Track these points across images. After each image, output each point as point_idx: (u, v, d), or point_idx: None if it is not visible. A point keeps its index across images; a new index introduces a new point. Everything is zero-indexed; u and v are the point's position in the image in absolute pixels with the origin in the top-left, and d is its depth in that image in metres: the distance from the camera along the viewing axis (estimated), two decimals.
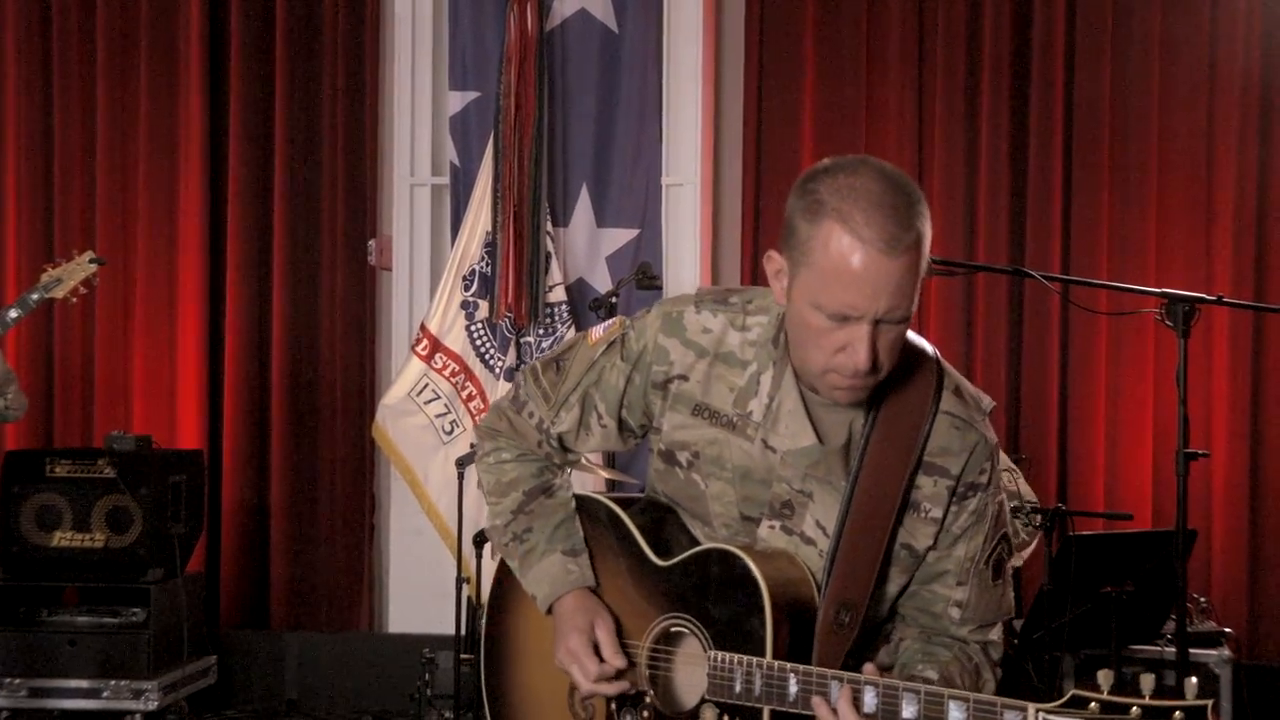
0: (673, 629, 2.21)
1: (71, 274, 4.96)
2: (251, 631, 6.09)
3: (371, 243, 6.08)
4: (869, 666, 1.99)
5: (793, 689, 2.02)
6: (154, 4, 6.16)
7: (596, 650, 2.23)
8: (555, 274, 5.64)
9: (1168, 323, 3.63)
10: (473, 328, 5.64)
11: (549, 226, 5.65)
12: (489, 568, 4.22)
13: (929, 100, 5.86)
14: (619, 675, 2.22)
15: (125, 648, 5.30)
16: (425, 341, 5.61)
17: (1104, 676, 1.78)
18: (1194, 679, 1.76)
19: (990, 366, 5.78)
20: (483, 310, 5.62)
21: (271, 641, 6.05)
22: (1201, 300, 3.69)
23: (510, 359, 5.58)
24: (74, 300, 5.03)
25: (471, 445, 3.17)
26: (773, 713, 2.06)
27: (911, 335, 2.11)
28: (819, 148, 5.88)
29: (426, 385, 5.59)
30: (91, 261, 5.01)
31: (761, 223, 5.89)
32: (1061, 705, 1.78)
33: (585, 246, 5.82)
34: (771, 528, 2.16)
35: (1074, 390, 5.76)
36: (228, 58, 6.15)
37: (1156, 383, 5.67)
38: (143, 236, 6.17)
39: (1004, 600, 2.22)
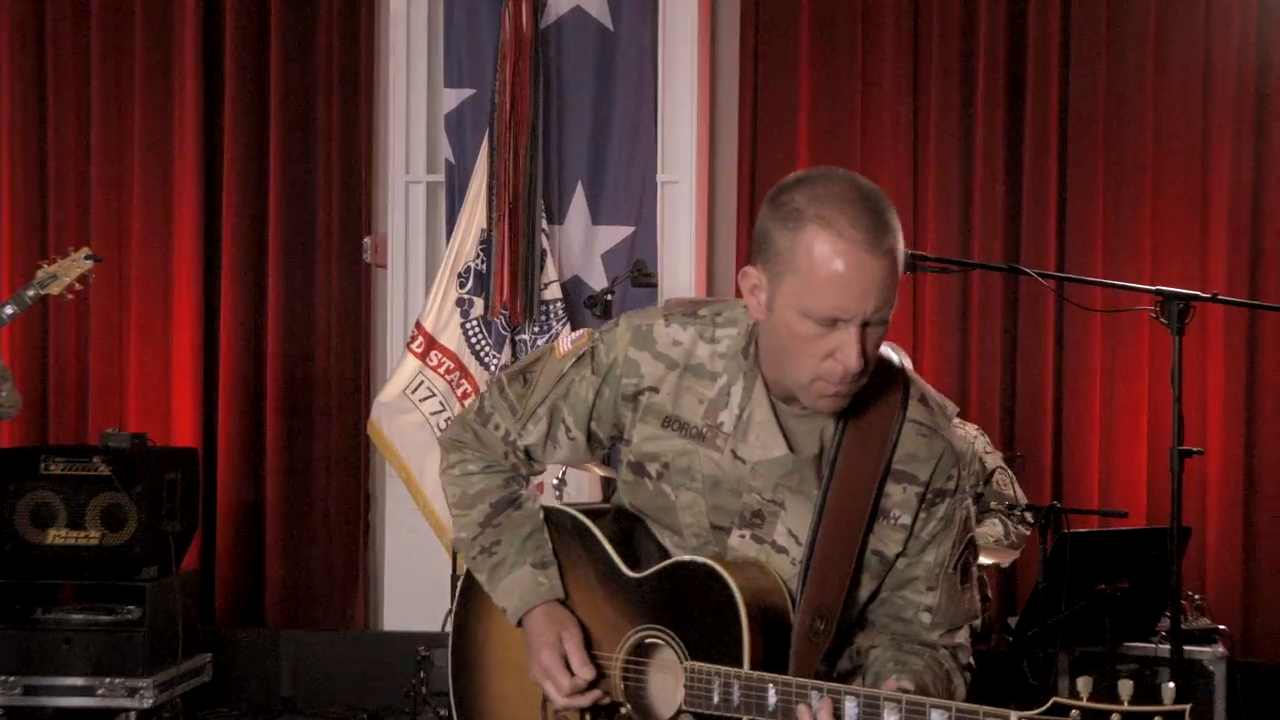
0: (647, 640, 2.22)
1: (67, 271, 4.97)
2: (247, 629, 6.08)
3: (366, 240, 6.08)
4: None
5: (772, 699, 2.03)
6: (149, 1, 6.16)
7: (567, 664, 2.25)
8: (550, 271, 5.63)
9: (1163, 320, 3.63)
10: (468, 325, 5.63)
11: (544, 224, 5.65)
12: None
13: (924, 97, 5.86)
14: (591, 686, 2.24)
15: (120, 645, 5.29)
16: (420, 339, 5.60)
17: (1083, 684, 1.81)
18: (1171, 684, 1.79)
19: (985, 364, 5.78)
20: (478, 308, 5.61)
21: (267, 639, 6.04)
22: (1196, 298, 3.69)
23: (506, 356, 5.58)
24: (69, 297, 5.03)
25: None
26: None
27: None
28: (814, 145, 5.89)
29: (422, 383, 5.59)
30: (87, 258, 5.01)
31: (756, 220, 5.88)
32: (1043, 712, 1.81)
33: (580, 244, 5.82)
34: (742, 537, 2.19)
35: (1069, 388, 5.76)
36: (223, 54, 6.15)
37: (1151, 380, 5.67)
38: (137, 233, 6.17)
39: (972, 604, 2.24)
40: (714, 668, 2.09)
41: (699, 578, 2.14)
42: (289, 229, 6.13)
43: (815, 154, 5.88)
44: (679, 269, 5.86)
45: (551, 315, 5.62)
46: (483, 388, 5.57)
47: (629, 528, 2.32)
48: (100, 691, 5.25)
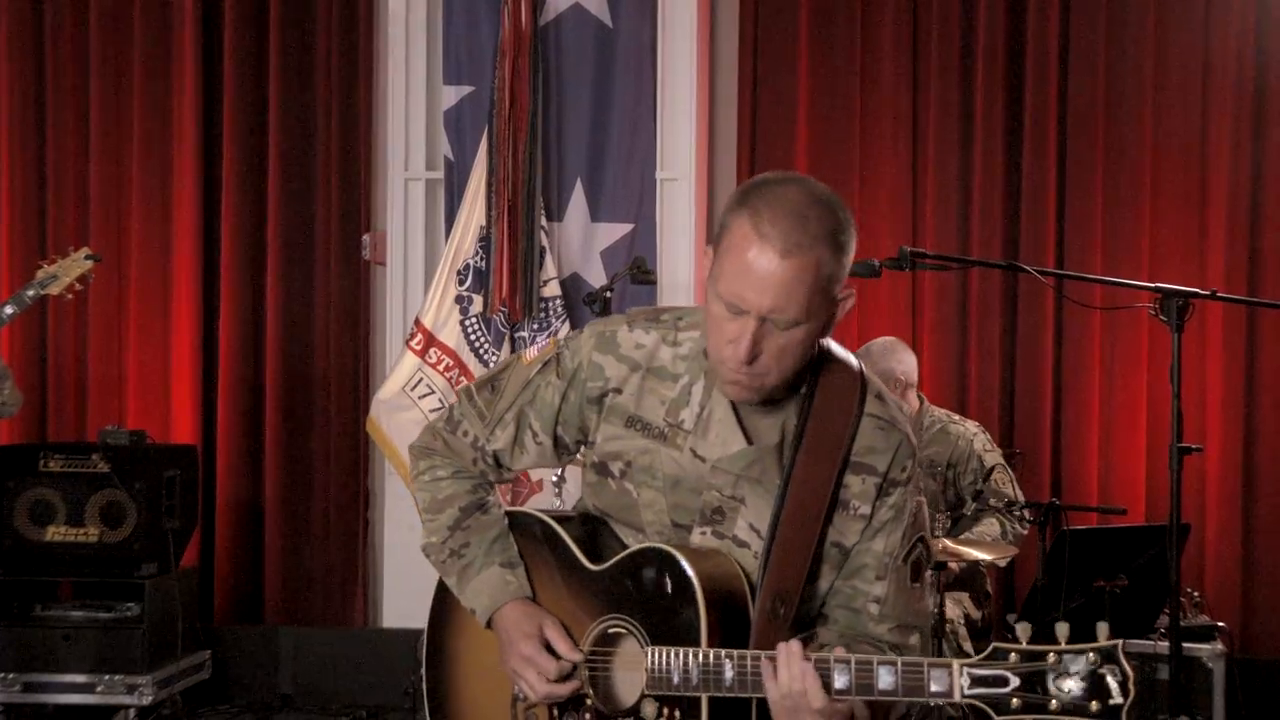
0: (610, 630, 2.26)
1: (67, 270, 4.97)
2: (246, 626, 6.09)
3: (366, 237, 6.08)
4: (794, 643, 2.04)
5: (729, 674, 2.09)
6: (148, 2, 6.15)
7: (550, 652, 2.28)
8: (550, 268, 5.64)
9: (1162, 317, 3.64)
10: (467, 322, 5.64)
11: (543, 221, 5.65)
12: None
13: (923, 94, 5.86)
14: (573, 673, 2.27)
15: (120, 643, 5.30)
16: (420, 336, 5.61)
17: (1022, 629, 1.89)
18: (1104, 623, 1.87)
19: (985, 361, 5.78)
20: (477, 305, 5.62)
21: (266, 636, 6.05)
22: (1195, 295, 3.70)
23: (505, 353, 5.58)
24: (69, 297, 5.03)
25: None
26: (711, 700, 2.12)
27: (836, 348, 2.24)
28: (813, 142, 5.89)
29: (421, 380, 5.59)
30: (87, 258, 5.02)
31: None
32: (984, 658, 1.90)
33: (580, 241, 5.82)
34: (703, 534, 2.24)
35: (1068, 385, 5.77)
36: (221, 52, 6.15)
37: (1150, 377, 5.68)
38: (137, 232, 6.17)
39: (921, 605, 2.28)
40: (674, 650, 2.14)
41: (657, 564, 2.19)
42: (288, 227, 6.13)
43: (814, 151, 5.88)
44: (678, 266, 5.86)
45: (551, 313, 5.63)
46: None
47: (594, 530, 2.38)
48: (100, 688, 5.26)
